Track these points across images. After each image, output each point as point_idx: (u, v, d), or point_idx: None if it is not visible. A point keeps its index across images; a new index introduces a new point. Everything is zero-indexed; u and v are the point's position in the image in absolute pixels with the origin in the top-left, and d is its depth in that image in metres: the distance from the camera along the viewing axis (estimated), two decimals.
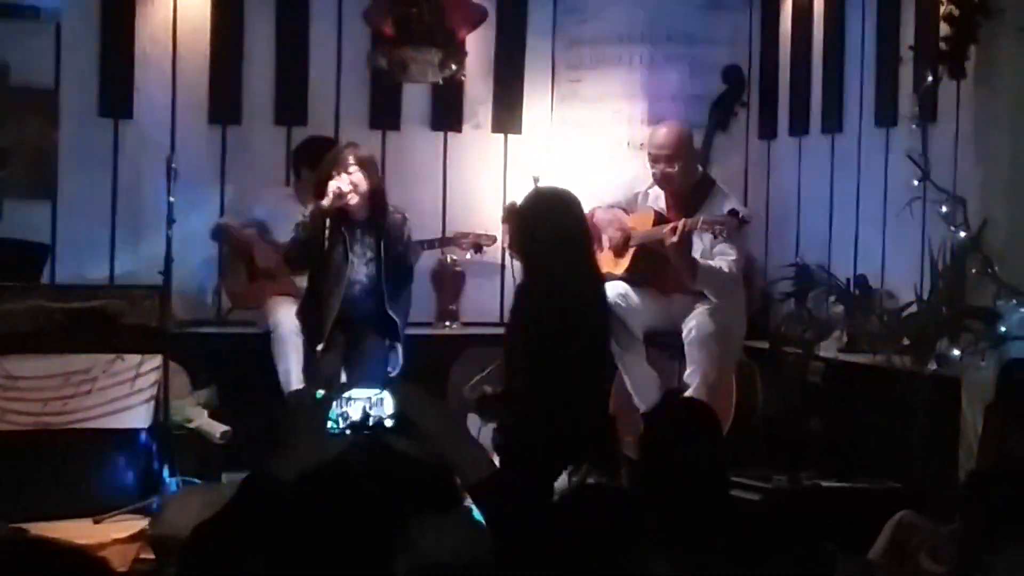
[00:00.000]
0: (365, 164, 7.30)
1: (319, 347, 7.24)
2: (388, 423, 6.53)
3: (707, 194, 7.54)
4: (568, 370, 6.16)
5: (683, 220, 7.10)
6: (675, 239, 7.07)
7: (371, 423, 6.50)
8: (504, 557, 3.17)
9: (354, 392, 6.64)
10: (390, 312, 7.30)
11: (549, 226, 6.46)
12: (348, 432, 6.51)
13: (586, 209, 7.69)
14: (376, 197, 7.31)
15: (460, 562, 3.15)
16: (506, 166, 8.90)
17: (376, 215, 7.30)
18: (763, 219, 8.66)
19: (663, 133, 7.54)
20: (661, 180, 7.50)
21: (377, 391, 6.60)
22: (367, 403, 6.55)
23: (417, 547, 3.01)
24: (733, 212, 7.10)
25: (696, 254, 7.30)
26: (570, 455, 6.38)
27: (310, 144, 8.28)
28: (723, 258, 7.31)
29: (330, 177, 7.22)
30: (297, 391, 7.46)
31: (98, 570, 2.55)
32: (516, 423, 6.29)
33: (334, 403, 6.58)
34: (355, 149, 7.40)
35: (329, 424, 6.56)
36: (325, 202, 7.18)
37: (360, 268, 7.31)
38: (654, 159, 7.49)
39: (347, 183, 7.21)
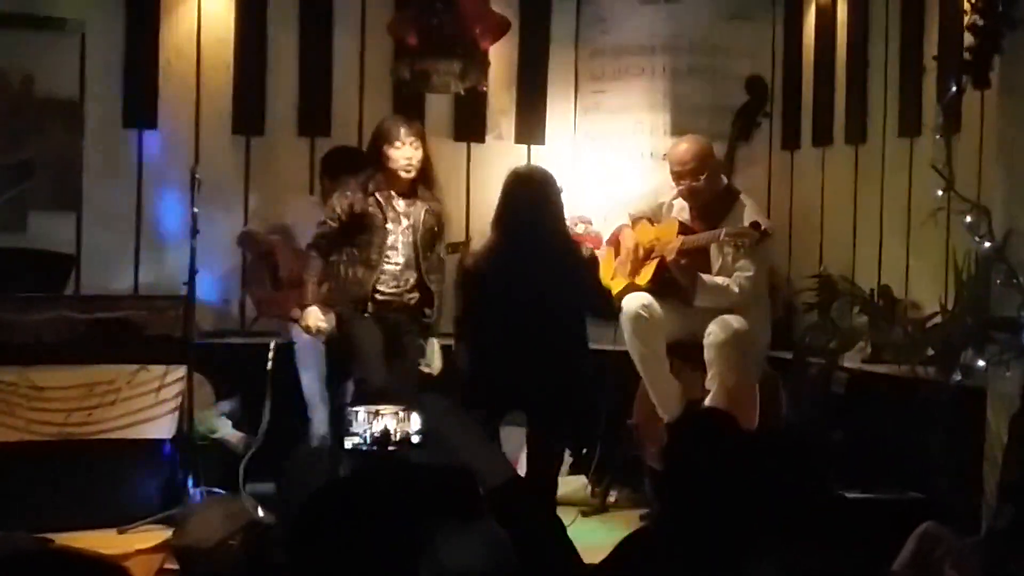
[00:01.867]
0: (418, 135, 7.31)
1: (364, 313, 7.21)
2: (415, 439, 6.55)
3: (731, 205, 7.54)
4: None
5: (717, 231, 7.12)
6: (673, 257, 7.13)
7: (398, 439, 6.52)
8: (523, 566, 3.17)
9: (382, 408, 6.65)
10: (427, 280, 7.27)
11: (524, 200, 6.88)
12: (375, 448, 6.52)
13: (610, 221, 7.73)
14: (425, 166, 7.32)
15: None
16: None
17: (418, 183, 7.32)
18: (787, 229, 8.64)
19: (684, 149, 7.53)
20: (687, 195, 7.50)
21: (403, 407, 6.61)
22: (394, 419, 6.57)
23: (439, 561, 3.01)
24: (755, 224, 7.10)
25: (715, 268, 7.32)
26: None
27: (334, 154, 8.30)
28: (741, 274, 7.31)
29: (383, 146, 7.23)
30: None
31: None
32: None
33: (361, 418, 6.59)
34: (406, 121, 7.41)
35: (356, 440, 6.57)
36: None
37: (397, 235, 7.28)
38: (678, 175, 7.49)
39: (408, 156, 7.24)
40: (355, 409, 6.69)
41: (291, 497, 6.73)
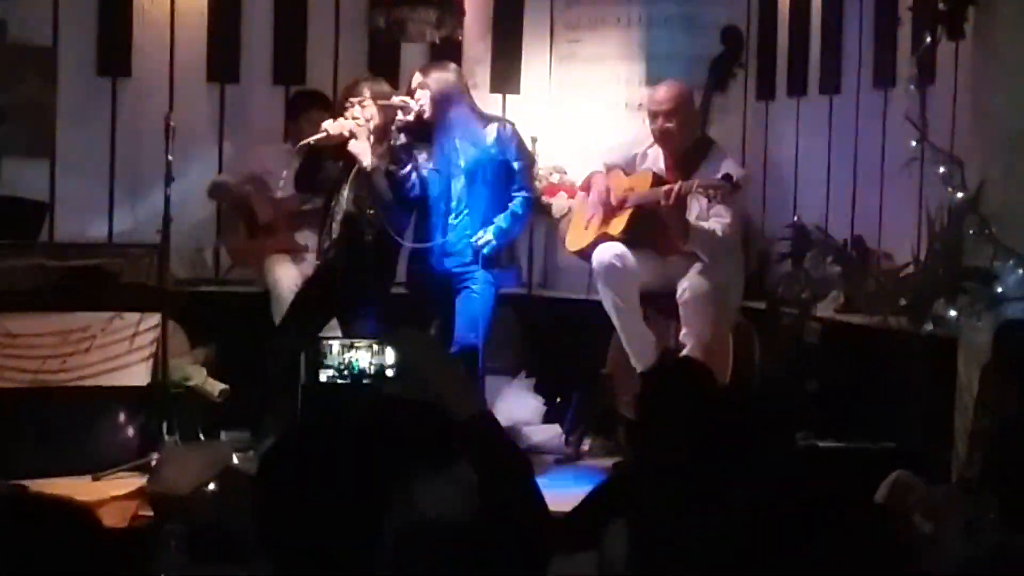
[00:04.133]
0: (376, 96, 7.31)
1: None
2: (389, 372, 6.55)
3: (705, 154, 7.53)
4: None
5: (679, 183, 7.11)
6: (669, 202, 7.09)
7: (372, 371, 6.52)
8: (488, 501, 3.18)
9: (356, 340, 6.66)
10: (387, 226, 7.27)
11: None
12: (349, 380, 6.53)
13: (586, 171, 7.73)
14: (382, 134, 7.30)
15: (458, 519, 3.17)
16: None
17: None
18: (761, 180, 8.65)
19: (663, 90, 7.51)
20: (660, 137, 7.49)
21: (377, 339, 6.62)
22: (368, 351, 6.56)
23: (414, 503, 3.02)
24: (727, 176, 7.09)
25: (692, 216, 7.31)
26: None
27: (297, 98, 8.37)
28: (718, 220, 7.31)
29: (348, 103, 7.25)
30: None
31: (94, 525, 2.56)
32: None
33: (335, 351, 6.59)
34: (374, 82, 7.42)
35: (330, 372, 6.57)
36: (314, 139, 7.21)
37: (347, 196, 7.32)
38: (653, 115, 7.47)
39: (357, 116, 7.22)
40: (329, 342, 6.69)
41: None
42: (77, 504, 2.62)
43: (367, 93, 7.24)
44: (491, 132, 7.29)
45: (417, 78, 7.28)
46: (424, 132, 7.25)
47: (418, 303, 7.44)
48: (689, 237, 7.24)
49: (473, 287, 7.23)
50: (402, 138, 7.24)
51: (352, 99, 7.22)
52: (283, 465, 2.87)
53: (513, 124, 7.47)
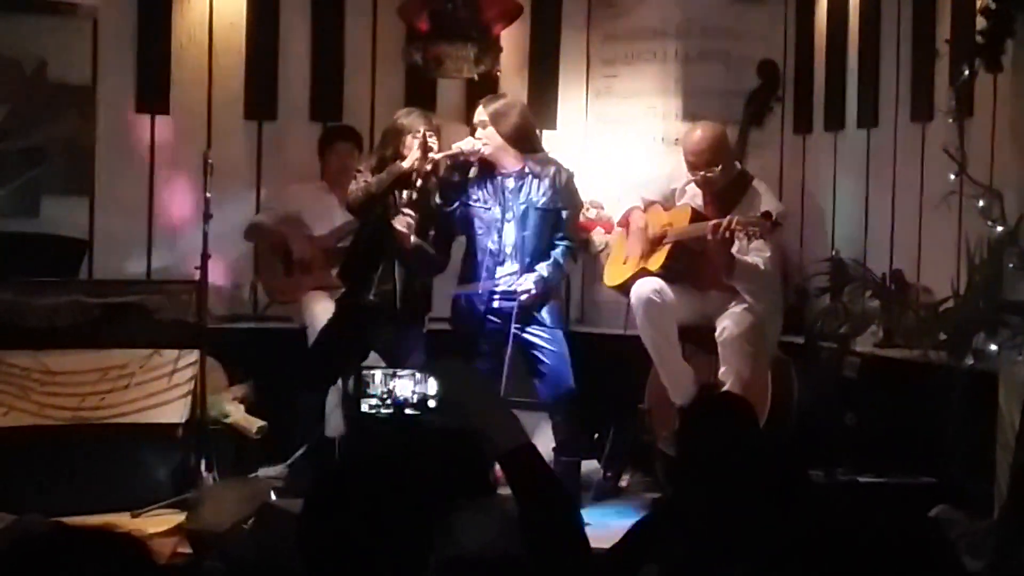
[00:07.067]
0: (437, 131, 7.32)
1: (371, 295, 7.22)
2: (432, 402, 6.51)
3: (744, 190, 7.53)
4: None
5: (727, 218, 7.08)
6: (716, 237, 7.08)
7: (415, 401, 6.49)
8: (530, 534, 3.17)
9: (399, 370, 6.63)
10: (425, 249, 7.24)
11: None
12: (392, 411, 6.49)
13: (622, 206, 7.72)
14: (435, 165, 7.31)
15: (496, 553, 3.16)
16: None
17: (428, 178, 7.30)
18: (798, 214, 8.63)
19: (699, 137, 7.48)
20: (702, 185, 7.48)
21: (420, 369, 6.60)
22: (411, 380, 6.52)
23: (453, 537, 3.02)
24: (766, 214, 7.08)
25: (732, 250, 7.29)
26: None
27: (324, 132, 8.43)
28: (758, 254, 7.30)
29: (400, 137, 7.23)
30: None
31: (140, 555, 2.55)
32: None
33: (378, 380, 6.56)
34: (428, 115, 7.43)
35: (372, 402, 6.54)
36: (407, 163, 7.13)
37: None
38: (692, 165, 7.46)
39: (432, 146, 7.21)
40: (372, 371, 6.67)
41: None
42: (125, 535, 2.61)
43: (425, 126, 7.24)
44: (547, 176, 7.27)
45: (480, 114, 7.27)
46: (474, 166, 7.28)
47: (465, 340, 7.37)
48: (734, 272, 7.22)
49: (543, 343, 7.26)
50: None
51: (424, 130, 7.20)
52: (330, 501, 2.87)
53: (571, 173, 7.42)
